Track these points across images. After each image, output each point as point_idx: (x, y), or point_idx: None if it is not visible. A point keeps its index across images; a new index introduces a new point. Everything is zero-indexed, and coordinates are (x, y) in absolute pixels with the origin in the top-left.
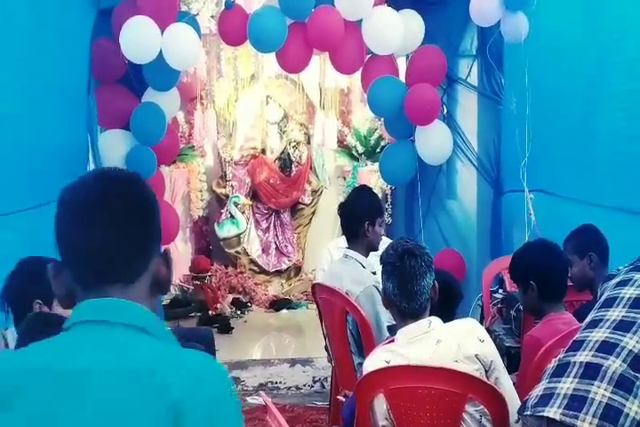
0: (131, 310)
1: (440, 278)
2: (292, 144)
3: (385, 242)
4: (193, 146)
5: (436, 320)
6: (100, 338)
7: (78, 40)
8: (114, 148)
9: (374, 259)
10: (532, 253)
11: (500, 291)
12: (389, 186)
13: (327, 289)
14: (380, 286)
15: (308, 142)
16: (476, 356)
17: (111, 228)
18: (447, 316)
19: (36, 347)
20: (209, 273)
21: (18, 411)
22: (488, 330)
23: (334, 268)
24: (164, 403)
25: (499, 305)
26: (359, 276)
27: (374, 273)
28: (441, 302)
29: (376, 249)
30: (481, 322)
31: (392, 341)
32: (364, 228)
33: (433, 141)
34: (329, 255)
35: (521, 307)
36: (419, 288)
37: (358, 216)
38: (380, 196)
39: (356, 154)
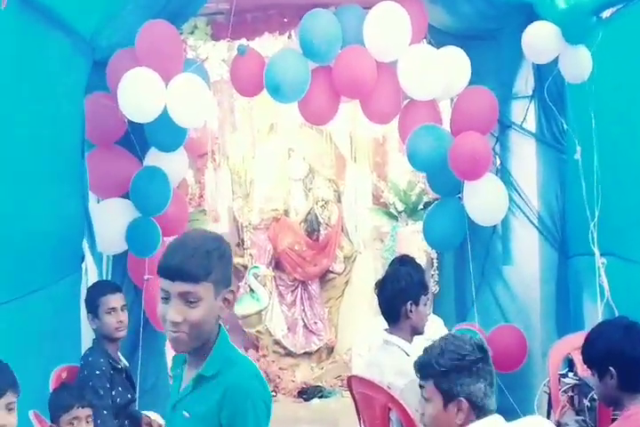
0: None
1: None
2: (320, 203)
3: (432, 322)
4: (204, 209)
5: (500, 419)
6: None
7: (70, 96)
8: (111, 220)
9: (421, 343)
10: (611, 335)
11: (571, 375)
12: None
13: (365, 382)
14: None
15: (339, 201)
16: None
17: None
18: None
19: None
20: None
21: None
22: (558, 423)
23: (373, 356)
24: None
25: (569, 393)
26: (403, 366)
27: None
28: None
29: (421, 332)
30: (548, 413)
31: None
32: (407, 308)
33: (484, 198)
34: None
35: (596, 396)
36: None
37: (399, 295)
38: (424, 261)
39: (394, 212)
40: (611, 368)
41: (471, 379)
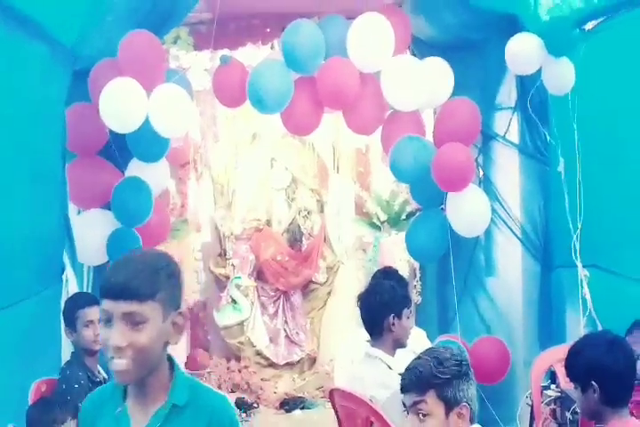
0: None
1: None
2: (303, 213)
3: (415, 334)
4: (186, 219)
5: None
6: None
7: (51, 106)
8: (92, 231)
9: (403, 356)
10: (594, 349)
11: (553, 387)
12: None
13: (347, 395)
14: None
15: (321, 211)
16: None
17: None
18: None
19: None
20: (208, 369)
21: None
22: None
23: (355, 369)
24: None
25: (552, 405)
26: (385, 379)
27: None
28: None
29: (404, 345)
30: (530, 425)
31: None
32: (390, 322)
33: (467, 210)
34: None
35: (578, 409)
36: None
37: (382, 309)
38: (407, 272)
39: (377, 222)
40: (593, 382)
41: (469, 384)
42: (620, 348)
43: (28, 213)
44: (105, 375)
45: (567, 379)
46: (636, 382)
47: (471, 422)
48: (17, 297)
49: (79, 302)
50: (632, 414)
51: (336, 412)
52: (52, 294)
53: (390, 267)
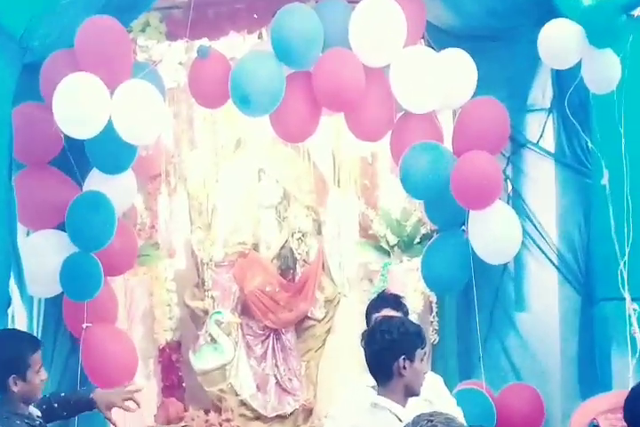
0: None
1: None
2: (296, 236)
3: (430, 381)
4: (157, 243)
5: None
6: None
7: None
8: (44, 257)
9: (416, 406)
10: None
11: None
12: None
13: None
14: None
15: (319, 232)
16: None
17: None
18: None
19: None
20: (183, 423)
21: None
22: None
23: (358, 422)
24: None
25: None
26: None
27: None
28: None
29: (417, 393)
30: None
31: None
32: (400, 364)
33: (493, 231)
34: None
35: None
36: None
37: (390, 349)
38: (421, 306)
39: (386, 246)
40: None
41: None
42: None
43: None
44: (38, 413)
45: None
46: None
47: None
48: None
49: (29, 344)
50: None
51: None
52: None
53: (395, 296)
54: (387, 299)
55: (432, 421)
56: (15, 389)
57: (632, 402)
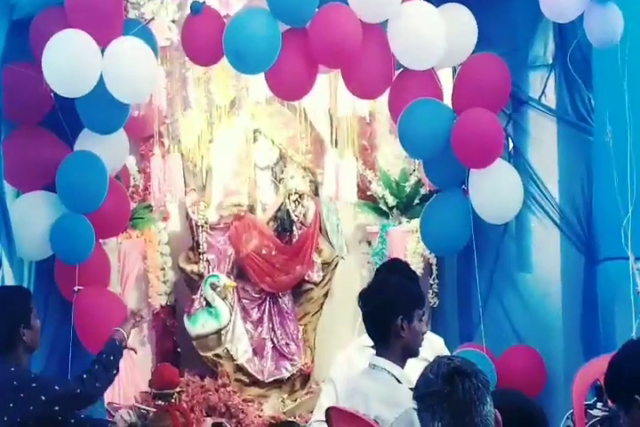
0: None
1: (508, 402)
2: (293, 197)
3: (430, 342)
4: (150, 205)
5: None
6: None
7: None
8: (33, 218)
9: (415, 367)
10: (638, 356)
11: (599, 406)
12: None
13: (347, 415)
14: None
15: (316, 194)
16: None
17: None
18: None
19: None
20: (177, 388)
21: None
22: None
23: (357, 383)
24: None
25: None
26: (393, 395)
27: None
28: None
29: (415, 354)
30: None
31: None
32: (398, 325)
33: (494, 190)
34: (346, 364)
35: None
36: (480, 419)
37: (388, 309)
38: (421, 267)
39: (384, 208)
40: (638, 398)
41: (427, 414)
42: None
43: None
44: None
45: None
46: None
47: None
48: None
49: (24, 293)
50: None
51: None
52: None
53: (398, 259)
54: (394, 266)
55: (452, 360)
56: (25, 338)
57: (610, 371)
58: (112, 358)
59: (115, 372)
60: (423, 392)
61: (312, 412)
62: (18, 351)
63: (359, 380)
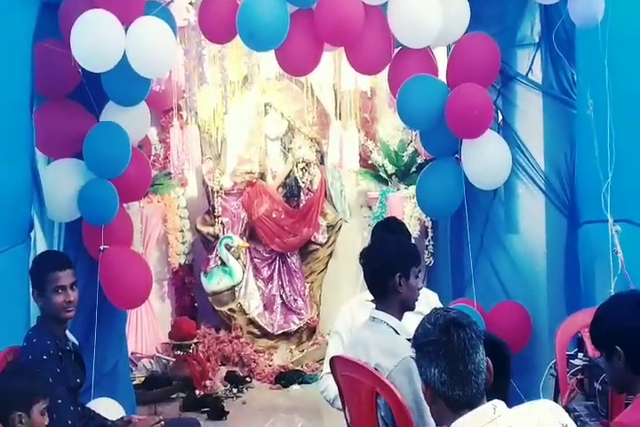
0: None
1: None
2: (300, 165)
3: (426, 297)
4: (170, 172)
5: (501, 405)
6: None
7: (16, 43)
8: (63, 183)
9: (411, 319)
10: (619, 310)
11: (580, 356)
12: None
13: (350, 364)
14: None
15: (321, 162)
16: None
17: None
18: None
19: None
20: (195, 340)
21: None
22: (566, 409)
23: (358, 334)
24: None
25: (579, 376)
26: (392, 345)
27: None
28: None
29: (412, 308)
30: (555, 398)
31: None
32: (395, 281)
33: (485, 159)
34: (349, 316)
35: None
36: (474, 367)
37: (386, 267)
38: (417, 230)
39: (384, 175)
40: (617, 348)
41: (424, 361)
42: None
43: None
44: (75, 341)
45: None
46: None
47: (452, 408)
48: None
49: (50, 264)
50: None
51: (337, 383)
52: (18, 253)
53: (394, 218)
54: (389, 224)
55: (449, 312)
56: (39, 303)
57: (594, 323)
58: None
59: None
60: (422, 341)
61: (318, 361)
62: (46, 317)
63: (360, 331)
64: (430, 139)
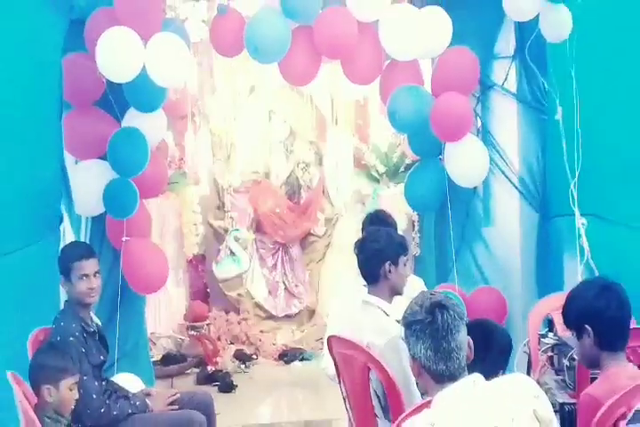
0: None
1: (482, 329)
2: (301, 166)
3: (413, 282)
4: (185, 172)
5: (480, 378)
6: None
7: (47, 56)
8: (89, 182)
9: (400, 302)
10: (587, 293)
11: (550, 335)
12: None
13: (344, 342)
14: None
15: (320, 163)
16: (534, 413)
17: None
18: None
19: None
20: (207, 321)
21: None
22: (538, 382)
23: (352, 316)
24: None
25: (549, 353)
26: (382, 325)
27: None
28: (486, 358)
29: (400, 293)
30: (528, 373)
31: (425, 404)
32: (386, 269)
33: (465, 160)
34: (343, 301)
35: (576, 357)
36: (456, 344)
37: (377, 256)
38: (405, 224)
39: (376, 175)
40: (587, 326)
41: (412, 338)
42: (613, 292)
43: (25, 164)
44: (98, 322)
45: (564, 327)
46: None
47: (438, 381)
48: (14, 246)
49: (75, 253)
50: (629, 360)
51: (334, 360)
52: (49, 243)
53: (382, 211)
54: (378, 216)
55: (434, 295)
56: (65, 288)
57: (565, 305)
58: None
59: (115, 413)
60: (410, 320)
61: (317, 340)
62: (72, 301)
63: (354, 314)
64: (417, 142)
